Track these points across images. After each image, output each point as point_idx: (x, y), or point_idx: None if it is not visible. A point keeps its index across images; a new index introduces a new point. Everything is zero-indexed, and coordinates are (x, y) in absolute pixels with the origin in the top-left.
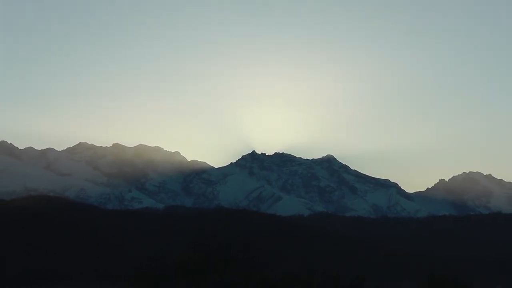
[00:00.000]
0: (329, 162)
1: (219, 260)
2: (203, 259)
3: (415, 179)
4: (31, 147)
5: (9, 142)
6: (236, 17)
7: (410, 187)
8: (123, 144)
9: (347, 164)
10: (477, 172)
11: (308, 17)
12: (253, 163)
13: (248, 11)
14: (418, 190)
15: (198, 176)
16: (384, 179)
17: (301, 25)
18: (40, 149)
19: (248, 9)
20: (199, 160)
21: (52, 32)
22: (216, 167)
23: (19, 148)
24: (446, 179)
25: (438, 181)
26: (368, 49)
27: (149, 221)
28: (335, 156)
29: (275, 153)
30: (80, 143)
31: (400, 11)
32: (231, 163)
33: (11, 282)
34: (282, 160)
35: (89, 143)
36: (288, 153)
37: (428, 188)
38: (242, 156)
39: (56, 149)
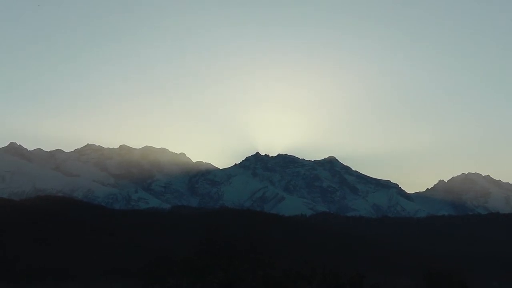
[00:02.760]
0: (331, 163)
1: (224, 258)
2: (209, 257)
3: (415, 180)
4: (40, 148)
5: (18, 144)
6: (241, 23)
7: (410, 188)
8: (130, 146)
9: (348, 165)
10: (475, 173)
11: (310, 23)
12: (256, 164)
13: (253, 17)
14: (418, 191)
15: (203, 177)
16: (385, 180)
17: (303, 31)
18: (48, 150)
19: (252, 15)
20: (204, 161)
21: (61, 35)
22: (220, 168)
23: (28, 149)
24: (445, 180)
25: (437, 181)
26: (368, 53)
27: (156, 221)
28: (337, 158)
29: (278, 155)
30: (88, 144)
31: (398, 15)
32: (235, 164)
33: (21, 279)
34: (285, 161)
35: (96, 144)
36: (291, 154)
37: (427, 188)
38: (246, 157)
39: (65, 150)
